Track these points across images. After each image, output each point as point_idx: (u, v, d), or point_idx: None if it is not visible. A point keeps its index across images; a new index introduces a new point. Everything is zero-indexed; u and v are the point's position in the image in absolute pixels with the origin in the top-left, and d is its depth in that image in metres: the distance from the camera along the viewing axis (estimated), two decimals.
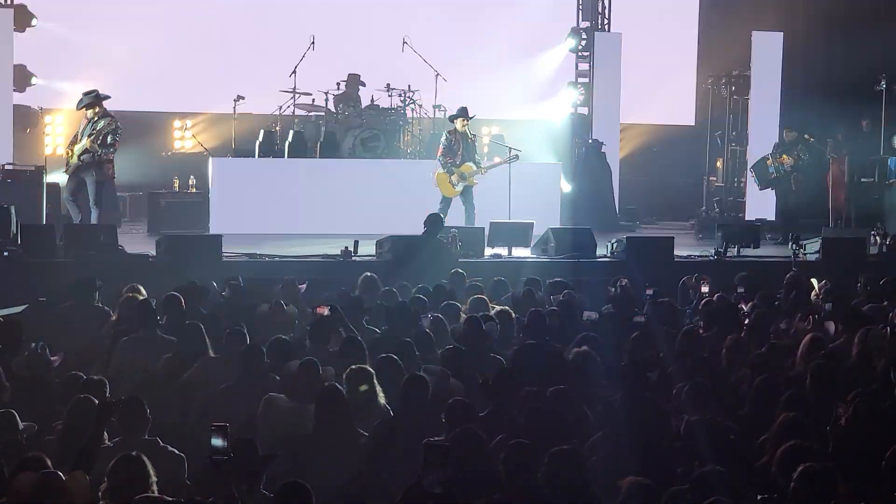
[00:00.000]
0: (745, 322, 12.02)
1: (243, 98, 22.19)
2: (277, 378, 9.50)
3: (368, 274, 13.81)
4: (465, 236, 17.22)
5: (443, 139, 18.69)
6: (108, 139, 17.40)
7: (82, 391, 8.37)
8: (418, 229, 17.81)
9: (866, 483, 7.20)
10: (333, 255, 16.78)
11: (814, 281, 14.48)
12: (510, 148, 19.17)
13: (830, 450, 7.80)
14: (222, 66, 24.01)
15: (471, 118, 18.69)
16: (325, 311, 11.12)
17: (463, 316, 11.80)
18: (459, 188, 18.49)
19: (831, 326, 11.66)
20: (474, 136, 18.77)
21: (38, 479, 6.69)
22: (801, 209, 21.59)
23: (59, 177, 18.40)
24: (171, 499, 6.92)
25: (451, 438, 7.50)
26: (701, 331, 11.75)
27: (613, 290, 13.96)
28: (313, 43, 21.35)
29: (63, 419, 8.08)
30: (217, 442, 6.49)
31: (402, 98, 21.76)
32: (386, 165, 20.85)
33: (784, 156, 20.96)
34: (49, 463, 7.10)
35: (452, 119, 18.76)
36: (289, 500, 6.66)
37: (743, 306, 12.96)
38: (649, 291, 13.59)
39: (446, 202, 18.67)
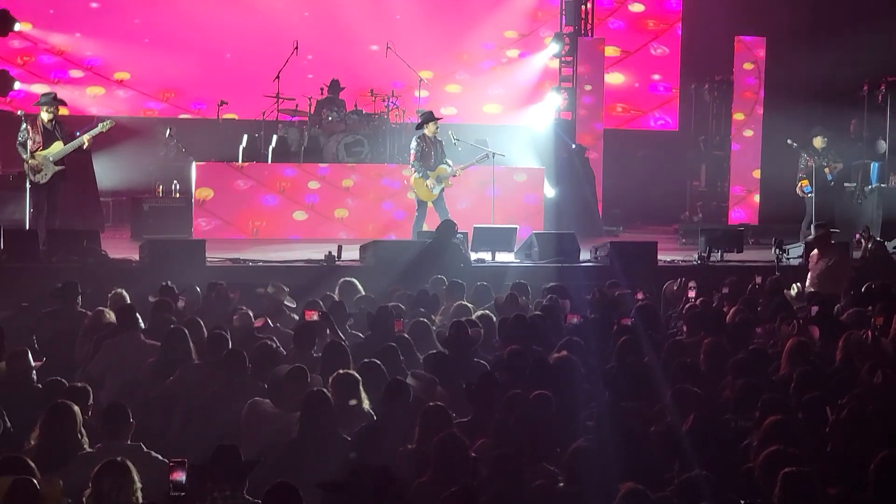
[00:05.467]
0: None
1: (227, 103, 22.18)
2: (259, 383, 9.46)
3: (347, 279, 13.82)
4: None
5: (414, 145, 18.61)
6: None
7: (64, 397, 8.33)
8: (400, 235, 17.94)
9: (854, 487, 7.21)
10: (317, 261, 16.77)
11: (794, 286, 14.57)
12: (487, 151, 19.18)
13: (819, 454, 7.81)
14: (206, 72, 24.00)
15: (438, 121, 18.73)
16: (314, 315, 11.09)
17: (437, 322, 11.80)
18: (436, 192, 18.50)
19: (815, 331, 11.67)
20: (442, 139, 18.79)
21: (10, 485, 6.65)
22: (784, 213, 21.62)
23: None
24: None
25: (433, 444, 7.49)
26: (683, 336, 11.77)
27: (594, 294, 13.96)
28: (296, 48, 21.36)
29: (40, 425, 8.03)
30: (176, 477, 6.50)
31: (385, 103, 21.75)
32: (369, 170, 20.84)
33: (832, 163, 20.75)
34: (31, 463, 7.09)
35: (421, 125, 18.67)
36: (278, 501, 6.65)
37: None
38: (639, 296, 13.62)
39: (423, 206, 18.65)
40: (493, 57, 26.08)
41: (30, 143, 17.37)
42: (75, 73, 24.22)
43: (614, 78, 26.60)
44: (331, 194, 20.70)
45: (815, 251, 16.16)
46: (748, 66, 24.25)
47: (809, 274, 15.91)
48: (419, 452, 7.79)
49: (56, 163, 17.38)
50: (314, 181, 20.72)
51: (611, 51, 26.62)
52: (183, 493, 6.50)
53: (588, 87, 24.07)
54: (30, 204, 17.83)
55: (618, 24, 27.02)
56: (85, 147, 17.69)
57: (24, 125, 17.52)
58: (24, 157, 17.43)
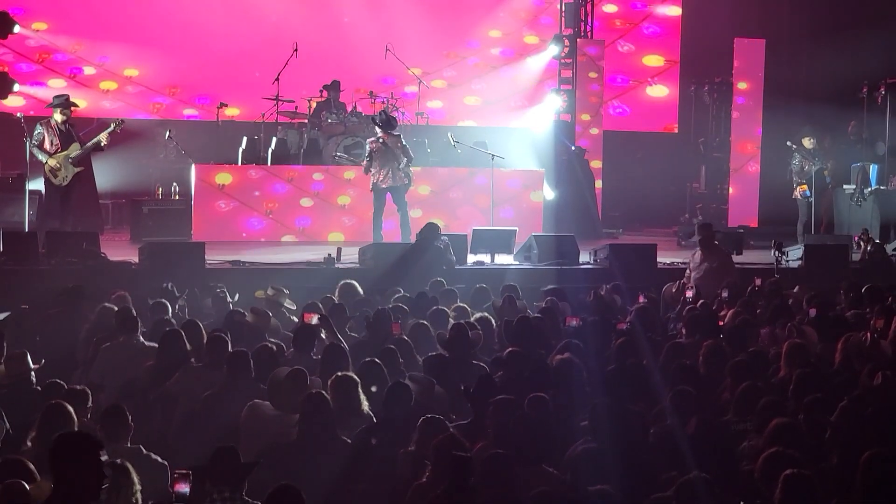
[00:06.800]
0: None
1: (226, 105, 22.18)
2: (258, 385, 9.46)
3: (347, 281, 13.81)
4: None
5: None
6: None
7: (63, 399, 8.32)
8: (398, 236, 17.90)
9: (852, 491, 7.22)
10: (316, 263, 16.77)
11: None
12: (487, 153, 19.17)
13: (819, 456, 7.81)
14: (205, 74, 23.99)
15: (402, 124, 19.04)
16: (314, 319, 11.08)
17: (450, 321, 11.79)
18: None
19: (812, 333, 11.67)
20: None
21: (1, 489, 6.66)
22: (783, 216, 21.63)
23: (40, 184, 18.30)
24: None
25: (432, 447, 7.49)
26: (682, 338, 11.78)
27: (591, 296, 13.97)
28: (296, 50, 21.35)
29: (37, 426, 8.03)
30: (180, 488, 6.50)
31: (384, 105, 21.74)
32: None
33: (824, 164, 20.81)
34: (32, 467, 7.09)
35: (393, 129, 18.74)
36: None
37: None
38: (642, 299, 13.61)
39: None
40: (491, 58, 26.06)
41: (48, 144, 17.42)
42: (89, 71, 24.16)
43: (658, 91, 26.66)
44: (325, 213, 20.55)
45: (698, 252, 16.04)
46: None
47: (690, 275, 15.80)
48: (419, 455, 7.79)
49: (74, 164, 17.46)
50: (307, 198, 20.56)
51: (654, 60, 26.64)
52: None
53: (593, 76, 24.07)
54: (41, 206, 17.89)
55: (652, 29, 27.01)
56: (103, 145, 17.74)
57: (39, 128, 17.56)
58: (43, 158, 17.43)
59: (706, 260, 15.75)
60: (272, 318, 12.09)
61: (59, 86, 23.40)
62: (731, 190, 24.37)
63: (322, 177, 20.72)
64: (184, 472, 6.57)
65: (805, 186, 20.44)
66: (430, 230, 16.48)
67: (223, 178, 20.38)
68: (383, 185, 18.46)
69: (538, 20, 26.01)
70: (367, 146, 18.66)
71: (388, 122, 18.66)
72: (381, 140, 18.45)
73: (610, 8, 26.64)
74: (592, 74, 24.04)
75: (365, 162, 18.61)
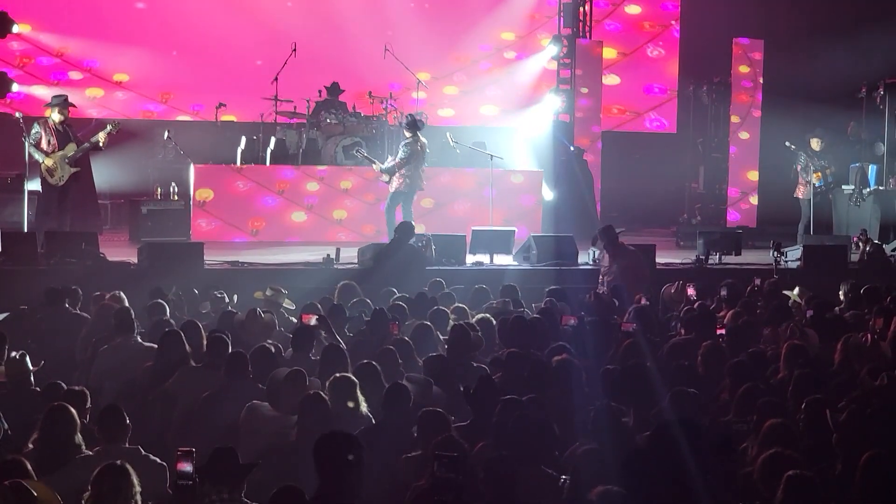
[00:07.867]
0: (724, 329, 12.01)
1: (225, 105, 22.15)
2: (257, 386, 9.46)
3: (346, 282, 13.80)
4: (446, 243, 17.31)
5: None
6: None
7: (62, 400, 8.31)
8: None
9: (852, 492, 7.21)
10: (315, 263, 16.77)
11: (787, 292, 14.54)
12: (486, 153, 19.13)
13: (818, 457, 7.80)
14: (204, 74, 23.96)
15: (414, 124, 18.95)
16: (312, 319, 11.08)
17: (450, 322, 11.78)
18: None
19: (814, 335, 11.67)
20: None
21: (4, 488, 6.64)
22: (782, 216, 21.63)
23: (39, 184, 18.29)
24: None
25: (432, 447, 7.48)
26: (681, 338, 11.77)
27: (590, 297, 13.96)
28: (295, 50, 21.32)
29: (38, 428, 8.02)
30: (183, 467, 6.49)
31: (383, 105, 21.73)
32: (367, 173, 20.77)
33: (829, 165, 20.90)
34: (29, 466, 7.08)
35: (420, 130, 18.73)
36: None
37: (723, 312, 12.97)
38: (642, 300, 13.61)
39: None
40: (490, 59, 26.02)
41: (45, 144, 17.46)
42: (74, 75, 24.04)
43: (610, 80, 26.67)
44: (318, 229, 20.38)
45: (606, 255, 15.95)
46: (744, 69, 24.32)
47: (603, 279, 15.75)
48: (423, 458, 7.78)
49: (71, 164, 17.49)
50: (299, 212, 20.39)
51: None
52: (190, 482, 6.49)
53: (584, 90, 24.05)
54: (38, 206, 17.89)
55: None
56: (101, 146, 17.74)
57: (36, 127, 17.59)
58: (40, 158, 17.46)
59: (615, 261, 15.70)
60: (266, 321, 12.04)
61: (41, 94, 22.76)
62: (756, 199, 24.29)
63: (317, 188, 20.58)
64: (186, 450, 6.56)
65: (820, 175, 20.49)
66: (404, 229, 16.39)
67: (204, 193, 20.17)
68: (410, 190, 18.44)
69: (552, 21, 25.87)
70: (407, 148, 18.48)
71: (415, 124, 18.62)
72: (419, 143, 18.46)
73: (633, 9, 26.59)
74: (615, 81, 23.99)
75: (398, 161, 18.51)
